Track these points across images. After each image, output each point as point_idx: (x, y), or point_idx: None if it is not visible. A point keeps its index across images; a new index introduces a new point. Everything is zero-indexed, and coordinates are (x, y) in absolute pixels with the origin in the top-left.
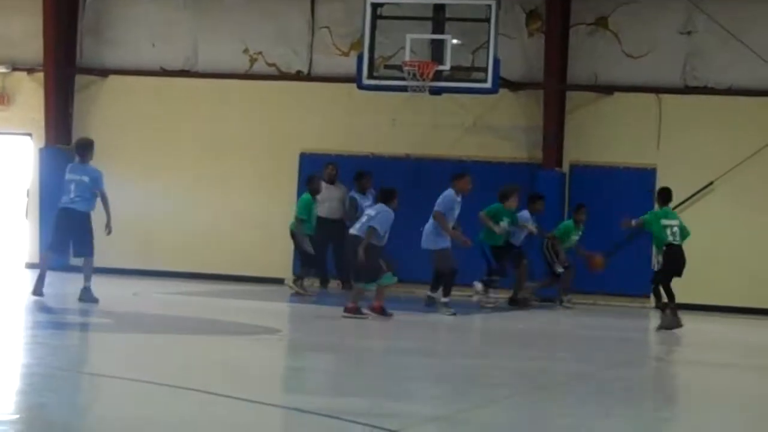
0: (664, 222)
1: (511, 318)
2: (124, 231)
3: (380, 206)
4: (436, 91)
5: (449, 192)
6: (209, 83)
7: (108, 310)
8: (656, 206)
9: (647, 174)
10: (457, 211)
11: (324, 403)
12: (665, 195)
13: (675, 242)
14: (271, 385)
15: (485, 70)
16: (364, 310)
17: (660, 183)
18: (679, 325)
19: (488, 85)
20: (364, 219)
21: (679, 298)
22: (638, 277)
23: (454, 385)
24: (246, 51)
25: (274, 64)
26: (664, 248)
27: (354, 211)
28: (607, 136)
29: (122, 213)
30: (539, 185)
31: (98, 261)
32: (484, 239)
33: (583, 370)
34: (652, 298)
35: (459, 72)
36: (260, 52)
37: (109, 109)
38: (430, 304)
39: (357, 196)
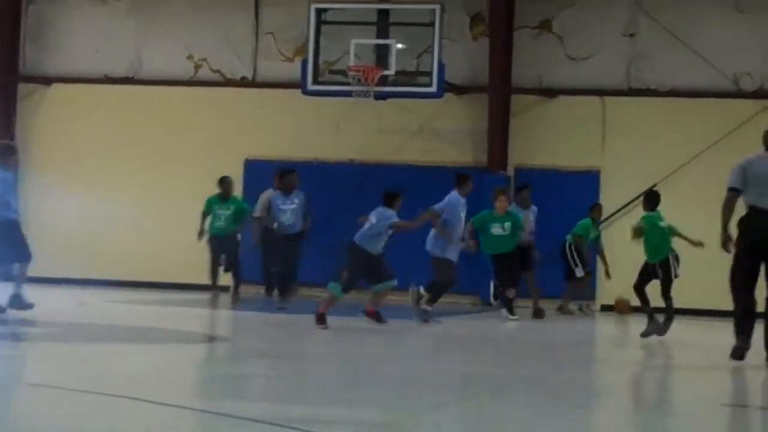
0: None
1: (461, 324)
2: (69, 240)
3: (382, 210)
4: (381, 96)
5: (454, 195)
6: (154, 90)
7: (53, 320)
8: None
9: (591, 176)
10: (463, 214)
11: (269, 410)
12: (654, 198)
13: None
14: (215, 393)
15: (430, 74)
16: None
17: (604, 185)
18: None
19: (433, 89)
20: (366, 226)
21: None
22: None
23: (402, 390)
24: (190, 57)
25: (218, 71)
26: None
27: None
28: (551, 138)
29: (67, 222)
30: (485, 189)
31: (42, 271)
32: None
33: (532, 374)
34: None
35: (404, 77)
36: (204, 59)
37: (52, 118)
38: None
39: (278, 195)
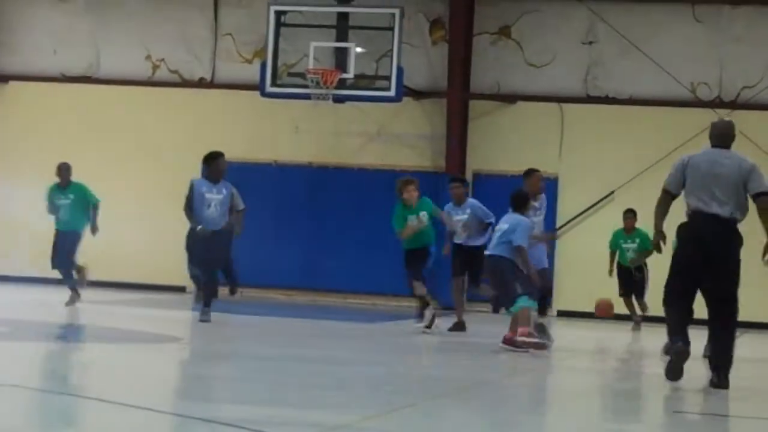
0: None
1: (407, 327)
2: (27, 239)
3: (515, 217)
4: (339, 99)
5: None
6: (111, 90)
7: (10, 318)
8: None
9: (549, 183)
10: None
11: (225, 411)
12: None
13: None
14: (172, 394)
15: (389, 78)
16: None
17: (562, 192)
18: None
19: (392, 93)
20: (497, 235)
21: (577, 307)
22: None
23: (357, 393)
24: (148, 57)
25: (176, 71)
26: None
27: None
28: (509, 144)
29: (24, 221)
30: (443, 194)
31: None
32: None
33: (486, 378)
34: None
35: (362, 80)
36: (163, 59)
37: (9, 116)
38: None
39: (203, 182)
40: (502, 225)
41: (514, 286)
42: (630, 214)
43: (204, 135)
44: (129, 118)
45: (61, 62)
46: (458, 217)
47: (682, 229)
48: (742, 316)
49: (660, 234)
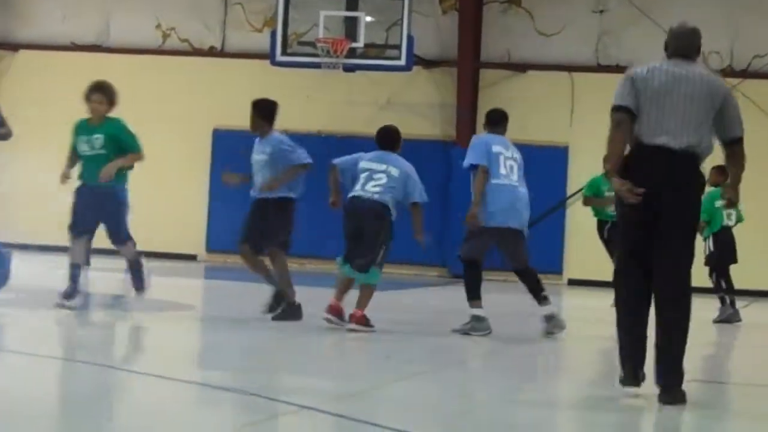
0: (718, 203)
1: (420, 295)
2: (38, 208)
3: (399, 161)
4: (349, 69)
5: None
6: (121, 58)
7: (23, 286)
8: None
9: (559, 152)
10: None
11: (237, 379)
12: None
13: (728, 225)
14: (183, 361)
15: (399, 47)
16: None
17: (572, 161)
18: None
19: (402, 62)
20: (383, 180)
21: (588, 276)
22: (550, 254)
23: (369, 361)
24: (158, 26)
25: (186, 40)
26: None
27: None
28: (519, 113)
29: (35, 190)
30: (453, 163)
31: (18, 237)
32: None
33: (496, 347)
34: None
35: (373, 49)
36: (173, 28)
37: (20, 85)
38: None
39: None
40: (391, 169)
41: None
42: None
43: (214, 104)
44: (139, 86)
45: (72, 31)
46: None
47: (629, 167)
48: (751, 284)
49: (616, 177)
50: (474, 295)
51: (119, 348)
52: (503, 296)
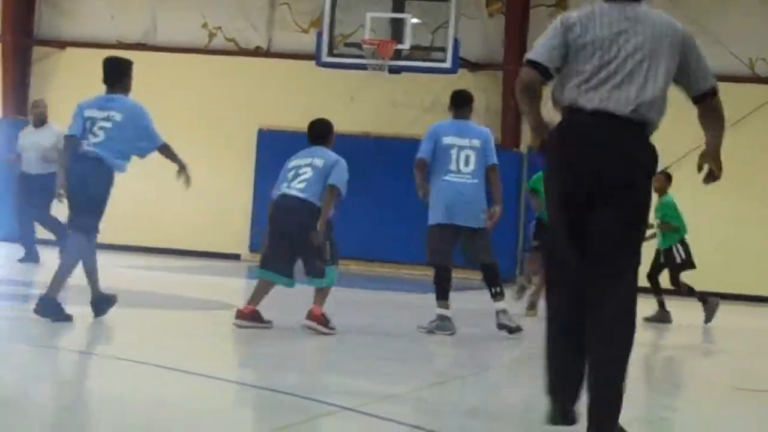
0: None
1: (463, 298)
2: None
3: (326, 152)
4: (395, 70)
5: None
6: (167, 57)
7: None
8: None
9: None
10: None
11: (278, 379)
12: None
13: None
14: (223, 360)
15: (445, 50)
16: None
17: None
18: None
19: (448, 65)
20: (308, 174)
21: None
22: None
23: (410, 363)
24: (205, 25)
25: (233, 40)
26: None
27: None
28: None
29: None
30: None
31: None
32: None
33: (537, 351)
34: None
35: (418, 51)
36: (219, 27)
37: (66, 82)
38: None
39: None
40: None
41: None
42: (659, 175)
43: (259, 104)
44: (184, 85)
45: (118, 29)
46: None
47: (553, 144)
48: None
49: (541, 129)
50: (440, 296)
51: (159, 346)
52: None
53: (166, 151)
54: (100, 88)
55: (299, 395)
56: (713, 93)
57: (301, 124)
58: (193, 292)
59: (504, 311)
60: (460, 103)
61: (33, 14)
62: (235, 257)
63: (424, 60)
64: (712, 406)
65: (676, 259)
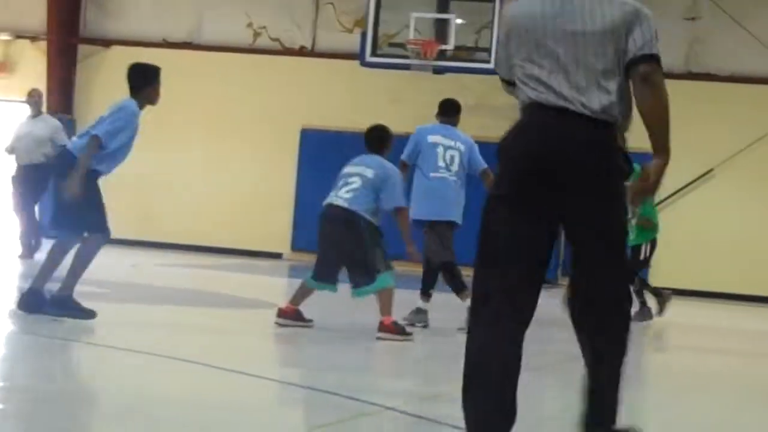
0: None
1: None
2: (125, 202)
3: (380, 162)
4: (439, 71)
5: None
6: (212, 56)
7: (105, 280)
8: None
9: (646, 158)
10: None
11: (318, 378)
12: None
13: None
14: (266, 359)
15: (489, 50)
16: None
17: None
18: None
19: (491, 65)
20: (356, 184)
21: (678, 284)
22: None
23: (445, 363)
24: (250, 25)
25: (277, 39)
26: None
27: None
28: None
29: (122, 184)
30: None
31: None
32: None
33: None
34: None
35: (462, 52)
36: (264, 27)
37: (111, 80)
38: None
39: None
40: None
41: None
42: None
43: (302, 103)
44: (229, 84)
45: (164, 28)
46: None
47: (505, 146)
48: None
49: None
50: (422, 290)
51: (199, 345)
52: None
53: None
54: None
55: (340, 394)
56: (652, 60)
57: (344, 123)
58: (235, 290)
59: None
60: (448, 110)
61: (78, 13)
62: (277, 256)
63: (468, 60)
64: (731, 408)
65: (640, 256)
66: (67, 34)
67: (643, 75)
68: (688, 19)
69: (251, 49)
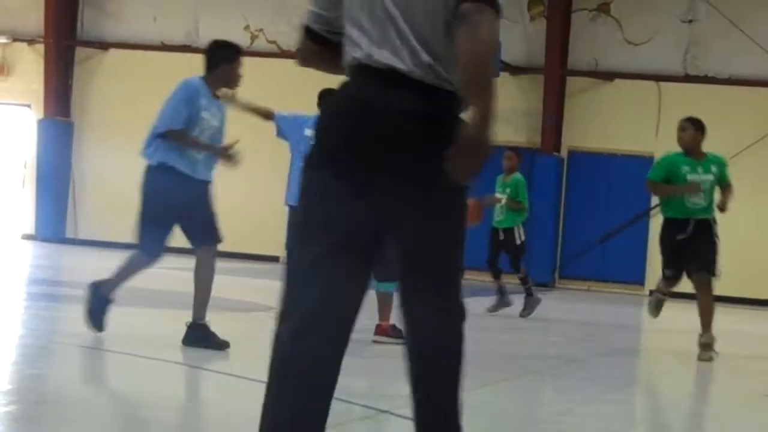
0: None
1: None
2: (126, 205)
3: None
4: None
5: None
6: None
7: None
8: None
9: (645, 162)
10: None
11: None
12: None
13: None
14: (262, 363)
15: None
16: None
17: None
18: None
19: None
20: None
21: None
22: (632, 264)
23: None
24: (247, 27)
25: (274, 42)
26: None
27: None
28: (606, 122)
29: (123, 188)
30: (537, 170)
31: (95, 234)
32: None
33: (575, 356)
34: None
35: None
36: (261, 29)
37: (109, 83)
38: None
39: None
40: None
41: None
42: (510, 152)
43: (300, 106)
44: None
45: (161, 31)
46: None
47: (326, 113)
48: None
49: None
50: None
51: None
52: (585, 305)
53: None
54: (142, 89)
55: (336, 398)
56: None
57: None
58: (235, 294)
59: None
60: None
61: (76, 15)
62: (274, 259)
63: None
64: (741, 413)
65: (516, 240)
66: (65, 37)
67: (464, 12)
68: (685, 21)
69: (249, 51)
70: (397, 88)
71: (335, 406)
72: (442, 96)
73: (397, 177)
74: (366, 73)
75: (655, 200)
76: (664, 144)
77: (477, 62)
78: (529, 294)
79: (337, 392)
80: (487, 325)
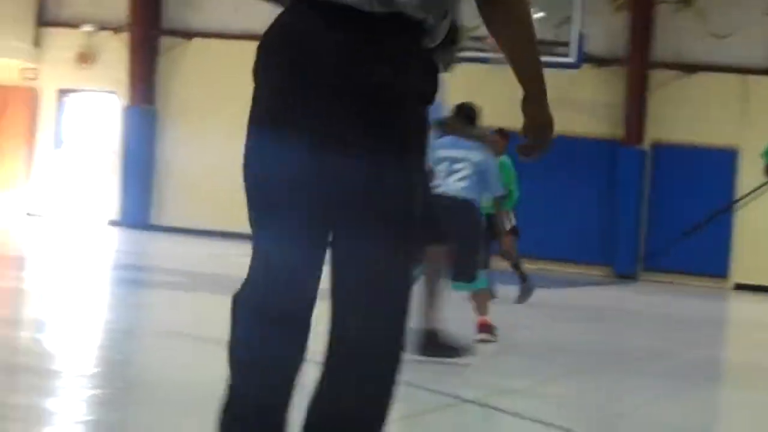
0: None
1: (583, 294)
2: (206, 194)
3: (479, 144)
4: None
5: None
6: None
7: (185, 270)
8: None
9: (728, 155)
10: None
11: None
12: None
13: None
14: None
15: (568, 44)
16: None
17: (743, 164)
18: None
19: (571, 59)
20: (467, 171)
21: (758, 281)
22: (716, 257)
23: (529, 358)
24: None
25: None
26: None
27: None
28: (689, 115)
29: (204, 176)
30: (620, 162)
31: (178, 221)
32: None
33: (659, 349)
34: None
35: (542, 46)
36: None
37: (192, 72)
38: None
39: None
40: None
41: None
42: (495, 135)
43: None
44: None
45: (243, 20)
46: None
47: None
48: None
49: None
50: None
51: None
52: (669, 298)
53: None
54: (226, 78)
55: (417, 386)
56: None
57: None
58: None
59: None
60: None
61: (160, 5)
62: None
63: (548, 55)
64: None
65: (502, 226)
66: (149, 26)
67: None
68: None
69: None
70: (363, 24)
71: (415, 395)
72: (400, 30)
73: (373, 116)
74: (313, 8)
75: (739, 194)
76: (748, 137)
77: (533, 34)
78: (523, 280)
79: (419, 381)
80: (570, 316)
